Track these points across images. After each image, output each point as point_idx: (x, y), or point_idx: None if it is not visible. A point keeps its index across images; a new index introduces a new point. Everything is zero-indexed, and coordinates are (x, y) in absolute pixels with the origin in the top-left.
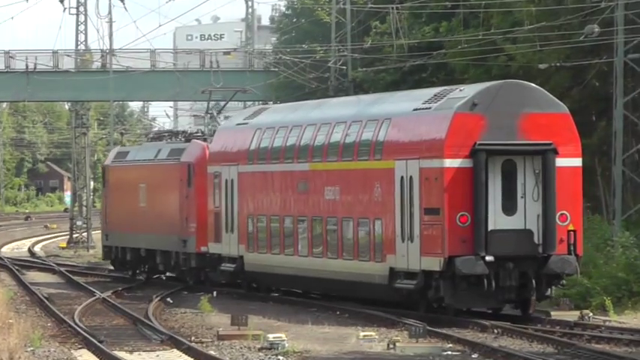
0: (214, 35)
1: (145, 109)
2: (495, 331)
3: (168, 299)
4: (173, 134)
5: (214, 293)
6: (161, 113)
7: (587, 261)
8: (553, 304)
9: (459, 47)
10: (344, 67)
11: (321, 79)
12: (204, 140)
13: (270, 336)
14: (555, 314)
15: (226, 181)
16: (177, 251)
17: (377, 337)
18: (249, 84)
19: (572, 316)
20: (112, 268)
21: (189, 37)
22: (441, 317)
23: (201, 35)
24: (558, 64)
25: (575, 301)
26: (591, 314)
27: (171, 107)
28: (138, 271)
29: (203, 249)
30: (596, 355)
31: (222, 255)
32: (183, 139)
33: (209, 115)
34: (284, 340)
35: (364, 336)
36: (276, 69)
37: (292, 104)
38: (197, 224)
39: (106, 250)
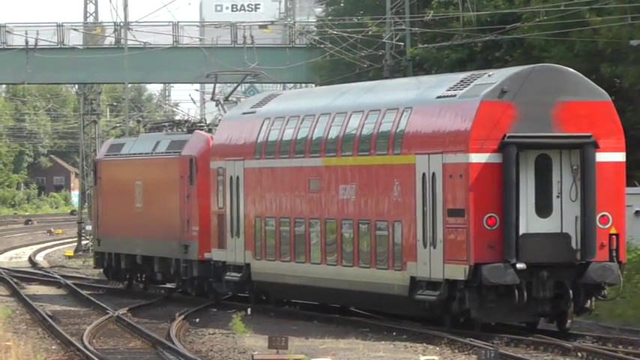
0: (248, 5)
1: (166, 93)
2: (579, 354)
3: (195, 318)
4: (174, 124)
5: (249, 311)
6: (185, 98)
7: None
8: None
9: (537, 20)
10: (401, 44)
11: (374, 57)
12: (209, 131)
13: None
14: None
15: (231, 178)
16: (178, 258)
17: None
18: (289, 63)
19: None
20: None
21: (219, 8)
22: (516, 339)
23: (232, 5)
24: None
25: None
26: None
27: (197, 91)
28: (134, 281)
29: (207, 256)
30: None
31: (227, 263)
32: (185, 130)
33: (215, 103)
34: None
35: None
36: (322, 46)
37: (306, 90)
38: (200, 227)
39: (98, 258)
